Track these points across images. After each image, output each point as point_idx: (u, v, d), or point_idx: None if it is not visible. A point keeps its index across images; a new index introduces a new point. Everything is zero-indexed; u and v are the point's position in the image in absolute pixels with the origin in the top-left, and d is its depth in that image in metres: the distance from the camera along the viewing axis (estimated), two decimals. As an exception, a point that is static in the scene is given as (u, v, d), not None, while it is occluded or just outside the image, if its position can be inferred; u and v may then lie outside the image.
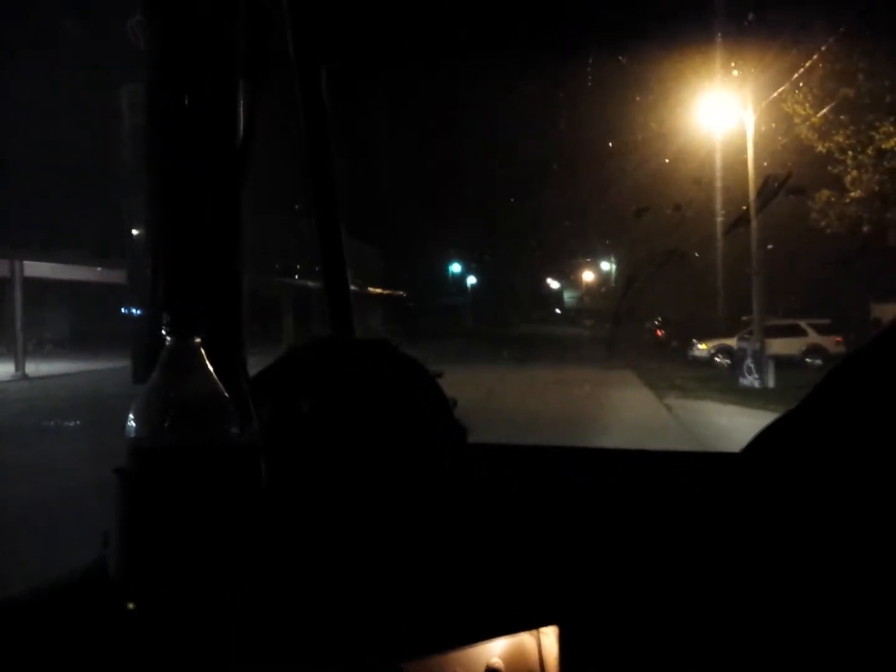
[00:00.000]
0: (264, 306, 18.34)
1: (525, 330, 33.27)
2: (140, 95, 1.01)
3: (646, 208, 14.49)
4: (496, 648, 0.98)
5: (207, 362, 0.79)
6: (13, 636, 0.76)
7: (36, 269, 17.29)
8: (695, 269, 17.57)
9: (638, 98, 14.95)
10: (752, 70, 13.04)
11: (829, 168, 13.56)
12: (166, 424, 0.75)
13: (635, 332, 24.07)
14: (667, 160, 14.88)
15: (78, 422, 9.36)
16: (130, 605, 0.74)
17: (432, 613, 0.90)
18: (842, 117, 13.09)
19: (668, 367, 16.89)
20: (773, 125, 13.78)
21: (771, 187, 11.78)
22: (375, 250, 27.13)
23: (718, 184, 14.67)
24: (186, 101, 0.98)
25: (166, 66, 0.99)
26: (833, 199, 13.92)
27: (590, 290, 39.48)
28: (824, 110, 13.05)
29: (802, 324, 17.80)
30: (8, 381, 14.45)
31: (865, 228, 13.82)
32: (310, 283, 19.93)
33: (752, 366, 13.75)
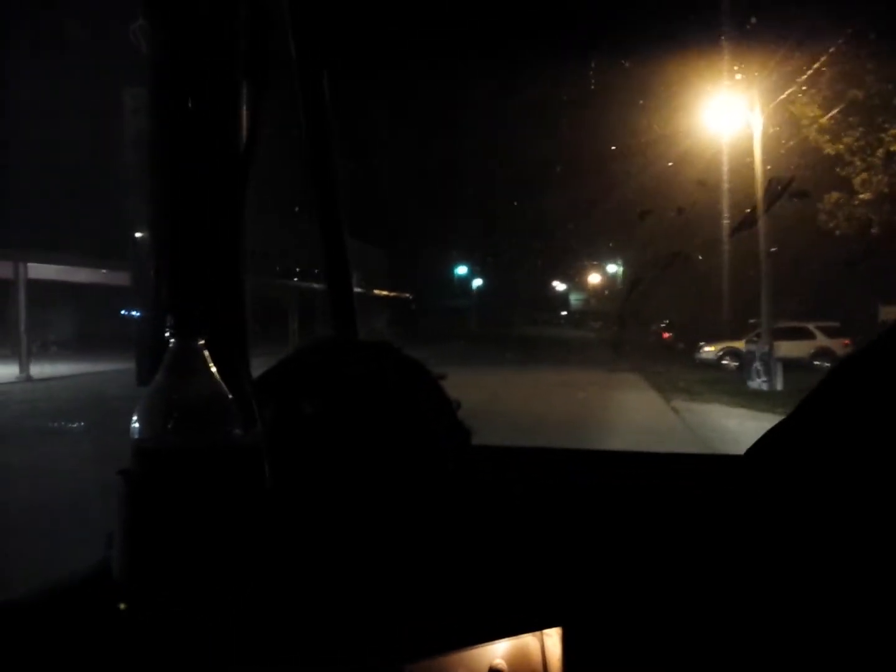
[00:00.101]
0: (268, 308, 18.37)
1: (530, 332, 33.25)
2: (142, 98, 1.01)
3: (649, 211, 14.49)
4: (499, 650, 0.97)
5: (211, 364, 0.79)
6: (17, 638, 0.76)
7: (40, 270, 17.29)
8: (700, 271, 17.58)
9: (643, 101, 14.96)
10: (760, 72, 13.03)
11: (838, 170, 13.52)
12: (170, 426, 0.75)
13: (641, 334, 24.06)
14: (671, 163, 14.89)
15: (82, 423, 9.37)
16: (132, 607, 0.74)
17: (435, 615, 0.89)
18: (851, 119, 13.05)
19: (674, 369, 16.82)
20: (779, 128, 13.75)
21: (774, 190, 11.77)
22: (380, 252, 27.20)
23: (724, 186, 14.68)
24: (189, 104, 0.99)
25: (169, 70, 1.00)
26: (842, 200, 13.89)
27: (596, 292, 39.48)
28: (833, 112, 13.01)
29: (811, 327, 17.77)
30: (12, 383, 14.48)
31: (874, 230, 13.77)
32: (314, 285, 19.97)
33: (760, 369, 13.69)
